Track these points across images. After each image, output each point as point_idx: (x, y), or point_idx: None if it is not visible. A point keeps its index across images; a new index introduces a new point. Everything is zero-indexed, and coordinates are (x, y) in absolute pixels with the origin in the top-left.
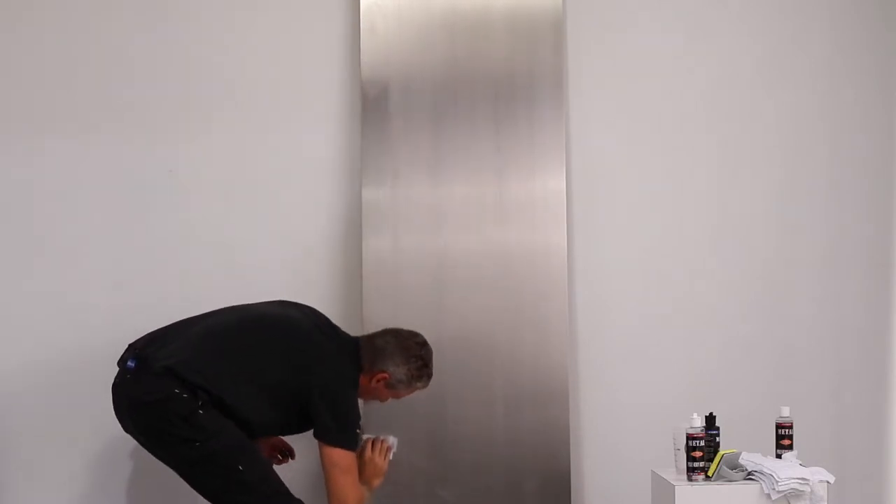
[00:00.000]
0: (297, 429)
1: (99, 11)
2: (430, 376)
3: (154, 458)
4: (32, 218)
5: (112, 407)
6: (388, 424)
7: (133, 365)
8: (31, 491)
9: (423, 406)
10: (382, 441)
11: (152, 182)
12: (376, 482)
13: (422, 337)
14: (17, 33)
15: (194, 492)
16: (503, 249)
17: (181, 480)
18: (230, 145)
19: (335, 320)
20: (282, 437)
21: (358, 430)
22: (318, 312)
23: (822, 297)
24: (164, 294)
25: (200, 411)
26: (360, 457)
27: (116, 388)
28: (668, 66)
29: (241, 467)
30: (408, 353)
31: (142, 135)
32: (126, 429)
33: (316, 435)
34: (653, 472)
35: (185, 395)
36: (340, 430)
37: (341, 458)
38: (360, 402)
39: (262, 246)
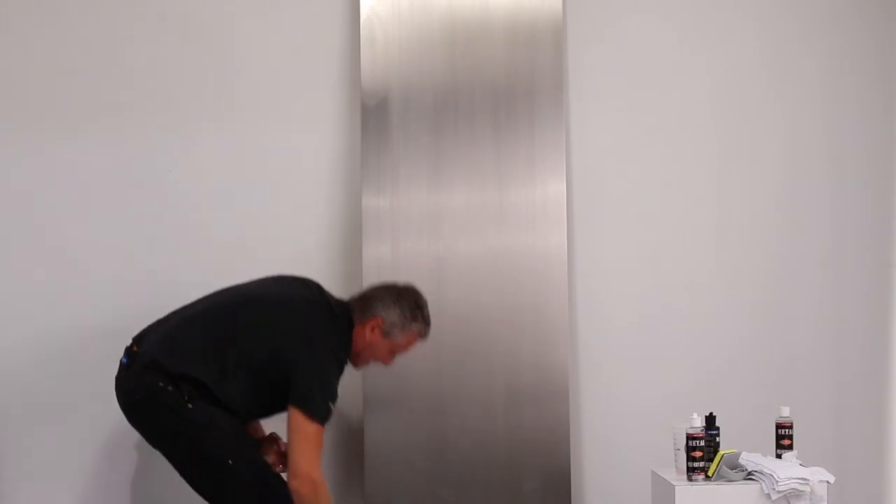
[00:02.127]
0: (282, 408)
1: (100, 16)
2: (426, 322)
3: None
4: (31, 218)
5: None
6: (389, 425)
7: (126, 361)
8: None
9: (423, 406)
10: None
11: (152, 185)
12: None
13: (415, 287)
14: (17, 32)
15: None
16: (503, 253)
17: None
18: (231, 152)
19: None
20: None
21: (329, 403)
22: (311, 283)
23: (823, 298)
24: (162, 298)
25: (189, 405)
26: None
27: (115, 385)
28: (668, 69)
29: (230, 461)
30: (398, 296)
31: (142, 138)
32: (130, 423)
33: (289, 399)
34: (653, 472)
35: (169, 388)
36: (308, 393)
37: (303, 424)
38: (363, 366)
39: (263, 252)
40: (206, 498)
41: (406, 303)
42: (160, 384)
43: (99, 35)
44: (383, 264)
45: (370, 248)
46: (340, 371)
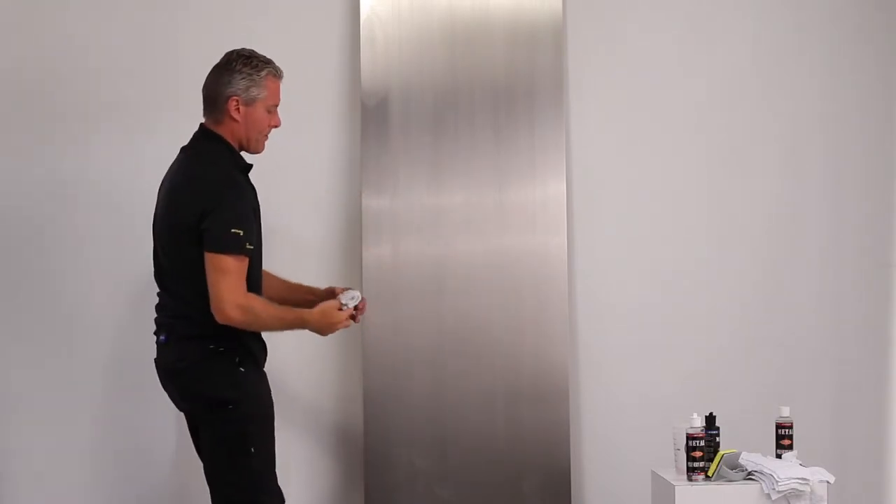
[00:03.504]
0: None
1: (99, 16)
2: (266, 61)
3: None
4: (32, 218)
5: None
6: (389, 423)
7: (164, 338)
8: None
9: (423, 406)
10: (356, 308)
11: (151, 185)
12: (328, 331)
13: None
14: (16, 32)
15: None
16: (504, 253)
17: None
18: None
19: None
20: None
21: (235, 231)
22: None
23: (823, 298)
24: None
25: (241, 368)
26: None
27: (156, 364)
28: (668, 69)
29: (253, 449)
30: (225, 68)
31: (142, 138)
32: (174, 402)
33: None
34: (653, 472)
35: (220, 349)
36: (210, 234)
37: (212, 261)
38: (261, 144)
39: (262, 254)
40: (212, 476)
41: (236, 64)
42: (210, 346)
43: (98, 35)
44: (383, 264)
45: (370, 248)
46: (235, 187)
